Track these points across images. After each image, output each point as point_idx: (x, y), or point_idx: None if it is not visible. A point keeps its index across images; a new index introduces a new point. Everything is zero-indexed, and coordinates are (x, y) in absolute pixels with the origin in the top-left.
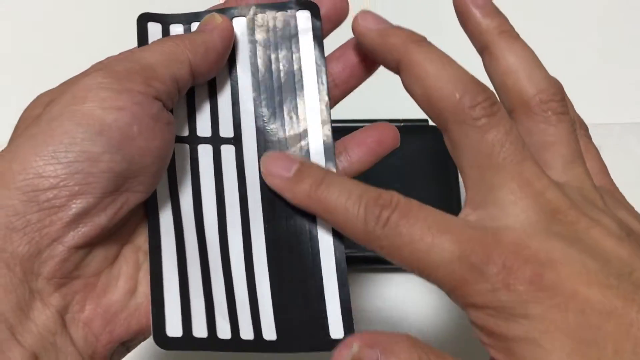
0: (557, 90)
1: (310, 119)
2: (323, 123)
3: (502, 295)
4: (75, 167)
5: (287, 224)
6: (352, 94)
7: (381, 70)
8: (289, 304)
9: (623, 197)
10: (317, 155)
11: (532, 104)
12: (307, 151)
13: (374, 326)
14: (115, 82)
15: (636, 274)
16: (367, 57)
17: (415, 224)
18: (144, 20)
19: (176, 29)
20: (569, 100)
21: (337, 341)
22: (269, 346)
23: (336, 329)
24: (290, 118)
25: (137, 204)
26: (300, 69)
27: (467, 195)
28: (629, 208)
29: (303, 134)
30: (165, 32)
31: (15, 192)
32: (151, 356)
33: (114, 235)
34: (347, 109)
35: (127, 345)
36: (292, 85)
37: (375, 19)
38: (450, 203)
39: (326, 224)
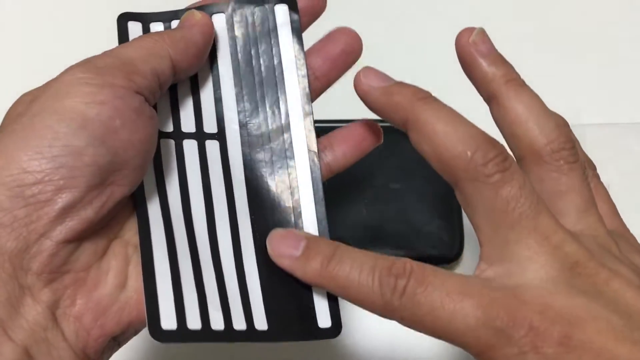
0: (567, 139)
1: (292, 112)
2: (305, 115)
3: (531, 358)
4: (59, 161)
5: (272, 215)
6: (345, 93)
7: (383, 64)
8: (277, 294)
9: (634, 238)
10: (300, 149)
11: (543, 153)
12: (290, 143)
13: (365, 314)
14: (96, 77)
15: None
16: (347, 50)
17: (434, 292)
18: (124, 19)
19: (156, 27)
20: (578, 142)
21: (325, 330)
22: (261, 336)
23: (323, 318)
24: (273, 112)
25: (122, 197)
26: (280, 62)
27: (482, 250)
28: None
29: (285, 127)
30: (146, 30)
31: (0, 188)
32: (147, 350)
33: (102, 230)
34: (340, 109)
35: (118, 339)
36: (272, 79)
37: (378, 75)
38: (449, 202)
39: (310, 215)
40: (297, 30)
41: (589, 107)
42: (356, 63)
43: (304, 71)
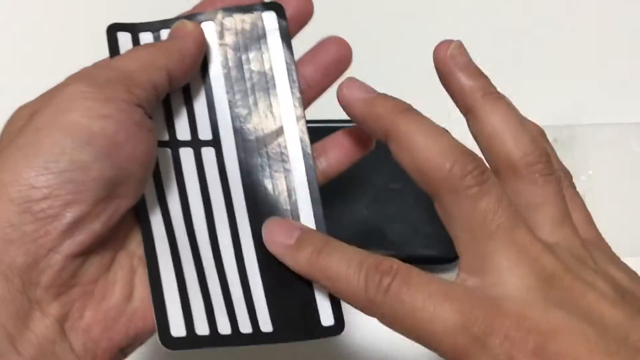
0: (542, 152)
1: (285, 116)
2: (298, 119)
3: None
4: (66, 176)
5: (270, 217)
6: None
7: (372, 71)
8: (280, 296)
9: (608, 247)
10: (295, 151)
11: (519, 166)
12: (285, 147)
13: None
14: (98, 91)
15: (633, 337)
16: (338, 59)
17: (417, 293)
18: (113, 30)
19: (146, 37)
20: (554, 153)
21: (328, 329)
22: (267, 338)
23: (326, 316)
24: (266, 116)
25: (127, 209)
26: (271, 68)
27: (462, 260)
28: (616, 261)
29: (279, 131)
30: (135, 40)
31: (8, 204)
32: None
33: (107, 243)
34: (334, 110)
35: (124, 351)
36: (264, 84)
37: (360, 87)
38: None
39: (308, 217)
40: (286, 36)
41: (589, 107)
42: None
43: (294, 76)
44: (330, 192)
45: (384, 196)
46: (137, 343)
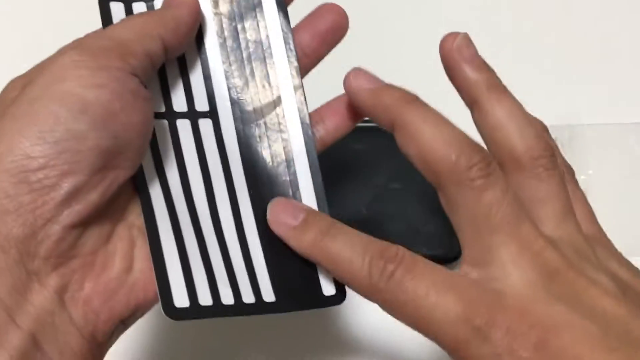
0: (546, 146)
1: (282, 85)
2: (295, 89)
3: None
4: (62, 146)
5: (271, 189)
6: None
7: (379, 64)
8: (282, 266)
9: (610, 242)
10: (293, 122)
11: (523, 160)
12: (283, 117)
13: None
14: (91, 59)
15: (634, 333)
16: (335, 26)
17: (421, 281)
18: (105, 0)
19: (139, 7)
20: (557, 148)
21: (330, 298)
22: (269, 307)
23: (327, 285)
24: (263, 86)
25: (125, 180)
26: (267, 37)
27: (465, 252)
28: (617, 257)
29: (277, 101)
30: (129, 10)
31: (4, 174)
32: (159, 332)
33: (106, 214)
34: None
35: (125, 322)
36: (260, 54)
37: (367, 77)
38: None
39: (307, 187)
40: (282, 4)
41: (589, 107)
42: (348, 64)
43: (291, 44)
44: (329, 192)
45: (384, 196)
46: (138, 314)
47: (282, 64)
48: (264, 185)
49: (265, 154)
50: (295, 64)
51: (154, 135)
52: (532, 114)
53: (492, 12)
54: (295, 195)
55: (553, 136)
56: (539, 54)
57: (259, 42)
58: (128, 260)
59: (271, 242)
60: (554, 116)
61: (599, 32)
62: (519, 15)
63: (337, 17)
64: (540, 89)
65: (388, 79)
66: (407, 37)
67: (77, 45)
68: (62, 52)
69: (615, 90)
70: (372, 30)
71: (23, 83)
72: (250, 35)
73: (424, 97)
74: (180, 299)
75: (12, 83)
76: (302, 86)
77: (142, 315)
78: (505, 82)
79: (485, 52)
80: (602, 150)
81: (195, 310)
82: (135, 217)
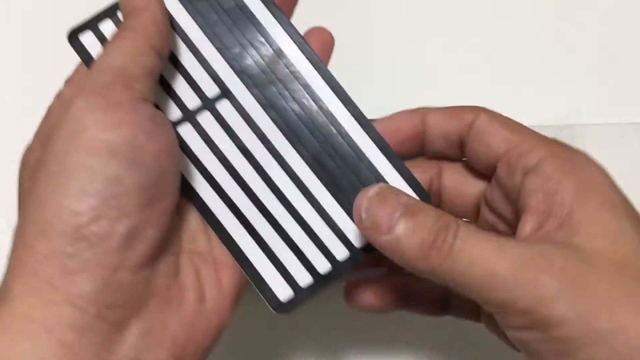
0: None
1: (276, 37)
2: (290, 34)
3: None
4: (104, 194)
5: (314, 135)
6: (351, 92)
7: (378, 69)
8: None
9: None
10: (301, 63)
11: None
12: (291, 64)
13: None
14: (101, 100)
15: None
16: (322, 48)
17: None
18: (74, 36)
19: (107, 25)
20: None
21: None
22: (362, 255)
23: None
24: (262, 44)
25: (174, 205)
26: (242, 1)
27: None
28: None
29: (280, 54)
30: (98, 34)
31: (59, 239)
32: None
33: (167, 247)
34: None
35: (207, 350)
36: (242, 18)
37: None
38: None
39: (344, 118)
40: None
41: (589, 107)
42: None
43: (271, 2)
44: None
45: None
46: (217, 338)
47: (267, 19)
48: (305, 136)
49: (292, 105)
50: (282, 15)
51: (184, 141)
52: (533, 113)
53: (492, 12)
54: (340, 130)
55: (553, 136)
56: (539, 53)
57: (236, 8)
58: (199, 290)
59: (338, 186)
60: (554, 116)
61: (599, 32)
62: (518, 15)
63: (324, 40)
64: (541, 89)
65: (384, 84)
66: (407, 39)
67: (80, 91)
68: (67, 103)
69: (615, 90)
70: (363, 35)
71: (40, 144)
72: (225, 3)
73: (424, 101)
74: (283, 292)
75: (28, 149)
76: (295, 28)
77: (219, 338)
78: (506, 82)
79: (486, 52)
80: (602, 150)
81: (300, 295)
82: (190, 243)
